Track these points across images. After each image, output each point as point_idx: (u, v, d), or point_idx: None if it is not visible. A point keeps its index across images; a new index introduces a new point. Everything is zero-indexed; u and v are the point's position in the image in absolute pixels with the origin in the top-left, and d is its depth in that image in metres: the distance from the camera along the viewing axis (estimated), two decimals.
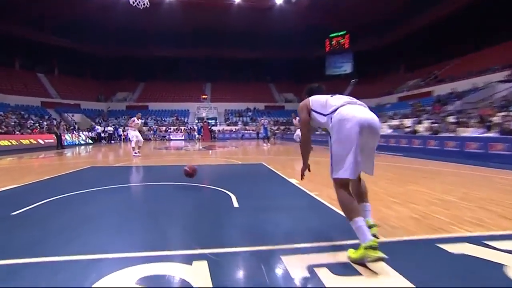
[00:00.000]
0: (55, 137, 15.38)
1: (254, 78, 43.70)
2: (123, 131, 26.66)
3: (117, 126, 27.78)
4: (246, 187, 4.56)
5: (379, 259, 1.88)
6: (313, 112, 2.27)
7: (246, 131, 29.70)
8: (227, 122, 33.99)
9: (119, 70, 41.05)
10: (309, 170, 2.44)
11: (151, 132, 28.70)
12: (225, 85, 40.96)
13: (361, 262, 1.90)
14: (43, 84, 32.20)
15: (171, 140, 26.93)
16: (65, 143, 18.88)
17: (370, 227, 2.20)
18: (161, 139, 27.55)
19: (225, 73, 43.75)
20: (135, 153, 10.13)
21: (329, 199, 3.62)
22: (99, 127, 24.72)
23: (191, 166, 5.06)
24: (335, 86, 39.05)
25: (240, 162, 8.03)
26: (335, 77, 38.96)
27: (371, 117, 2.06)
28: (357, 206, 2.03)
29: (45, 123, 22.77)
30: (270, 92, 42.58)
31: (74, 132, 22.68)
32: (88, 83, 37.67)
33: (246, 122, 33.47)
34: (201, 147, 16.57)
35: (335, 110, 2.13)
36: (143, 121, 10.16)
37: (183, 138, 28.68)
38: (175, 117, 33.86)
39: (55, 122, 21.70)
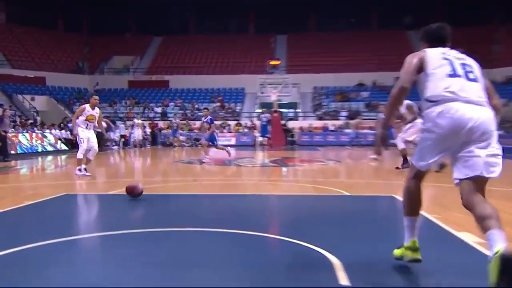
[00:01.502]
0: None
1: (376, 23, 42.92)
2: (125, 128, 28.82)
3: (113, 118, 30.21)
4: (362, 243, 4.53)
5: (415, 260, 3.44)
6: (425, 74, 3.36)
7: (362, 131, 29.15)
8: (317, 113, 34.08)
9: (116, 17, 44.91)
10: (379, 153, 3.86)
11: (171, 130, 30.40)
12: (313, 40, 41.53)
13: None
14: None
15: (211, 145, 27.96)
16: (19, 150, 21.11)
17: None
18: (191, 145, 28.91)
19: (313, 16, 44.17)
20: (80, 170, 10.60)
21: None
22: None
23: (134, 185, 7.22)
24: None
25: (346, 193, 7.94)
26: None
27: (477, 116, 3.15)
28: (417, 206, 3.49)
29: None
30: (409, 48, 41.08)
31: (35, 129, 25.25)
32: (60, 39, 41.85)
33: (358, 111, 32.95)
34: (267, 161, 16.82)
35: (440, 101, 3.22)
36: (97, 113, 10.91)
37: (235, 142, 29.59)
38: (217, 102, 35.38)
39: None
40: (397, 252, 3.64)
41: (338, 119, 31.90)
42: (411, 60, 3.42)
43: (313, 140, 29.53)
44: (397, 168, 11.49)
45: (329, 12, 43.07)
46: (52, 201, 7.16)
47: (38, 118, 29.75)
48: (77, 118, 10.84)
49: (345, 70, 36.51)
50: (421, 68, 3.35)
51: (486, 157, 3.18)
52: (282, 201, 7.56)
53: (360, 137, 27.95)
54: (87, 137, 10.74)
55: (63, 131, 26.19)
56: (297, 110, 35.09)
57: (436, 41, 3.52)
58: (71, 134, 25.84)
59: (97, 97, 11.39)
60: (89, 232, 4.84)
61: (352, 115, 31.57)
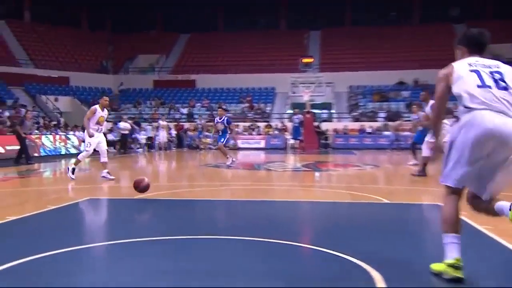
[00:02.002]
0: (18, 141, 17.70)
1: (419, 16, 42.33)
2: (151, 129, 29.17)
3: (138, 120, 30.60)
4: (403, 254, 4.50)
5: (457, 279, 3.47)
6: (454, 87, 3.61)
7: (402, 133, 28.69)
8: (353, 114, 33.84)
9: (140, 13, 45.54)
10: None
11: (196, 133, 30.62)
12: (349, 35, 41.21)
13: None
14: (3, 39, 37.72)
15: (239, 149, 28.15)
16: (43, 153, 21.62)
17: None
18: (217, 148, 29.06)
19: (349, 9, 43.91)
20: (73, 171, 10.80)
21: None
22: None
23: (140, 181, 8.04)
24: None
25: (385, 200, 7.88)
26: None
27: (506, 126, 3.36)
28: (457, 222, 3.62)
29: (7, 113, 26.42)
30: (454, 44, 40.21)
31: (58, 131, 25.91)
32: (84, 38, 42.71)
33: (397, 112, 32.54)
34: (299, 165, 16.84)
35: (470, 111, 3.46)
36: (106, 114, 11.27)
37: (264, 145, 29.63)
38: (246, 103, 35.50)
39: (22, 111, 25.04)
40: (436, 267, 3.67)
41: (376, 121, 31.56)
42: (440, 80, 3.69)
43: (349, 143, 29.33)
44: (412, 174, 11.64)
45: (366, 6, 42.75)
46: (76, 206, 7.33)
47: (62, 120, 30.37)
48: (89, 120, 10.95)
49: (383, 67, 36.08)
50: (450, 82, 3.62)
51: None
52: (315, 208, 7.54)
53: (400, 140, 27.51)
54: (95, 142, 10.95)
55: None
56: (331, 111, 34.88)
57: (474, 47, 3.75)
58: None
59: (107, 98, 11.80)
60: (114, 238, 4.91)
61: (392, 117, 31.13)
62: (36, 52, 37.87)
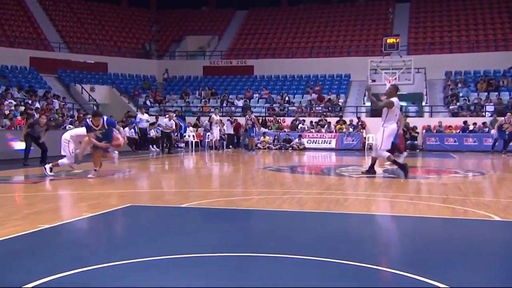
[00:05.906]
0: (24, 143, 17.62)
1: None
2: (196, 125, 29.46)
3: (183, 113, 30.93)
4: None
5: None
6: None
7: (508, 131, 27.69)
8: (451, 107, 32.78)
9: None
10: None
11: (248, 127, 29.78)
12: (446, 7, 40.37)
13: None
14: (34, 19, 39.29)
15: (305, 148, 28.11)
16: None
17: None
18: (280, 147, 29.09)
19: None
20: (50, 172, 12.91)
21: None
22: (143, 116, 28.11)
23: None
24: None
25: (496, 217, 7.59)
26: None
27: None
28: None
29: (37, 104, 27.46)
30: None
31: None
32: (124, 17, 44.17)
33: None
34: (379, 170, 16.59)
35: None
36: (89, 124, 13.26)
37: (336, 145, 29.50)
38: (314, 93, 35.25)
39: (55, 103, 25.54)
40: None
41: (482, 116, 30.58)
42: None
43: (444, 144, 28.63)
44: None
45: None
46: (115, 214, 7.57)
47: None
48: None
49: (492, 47, 35.15)
50: None
51: None
52: (401, 224, 7.45)
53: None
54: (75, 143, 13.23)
55: (126, 129, 27.20)
56: (422, 104, 34.15)
57: None
58: (135, 132, 26.99)
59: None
60: (161, 253, 5.02)
61: (503, 111, 29.84)
62: (71, 33, 39.23)
